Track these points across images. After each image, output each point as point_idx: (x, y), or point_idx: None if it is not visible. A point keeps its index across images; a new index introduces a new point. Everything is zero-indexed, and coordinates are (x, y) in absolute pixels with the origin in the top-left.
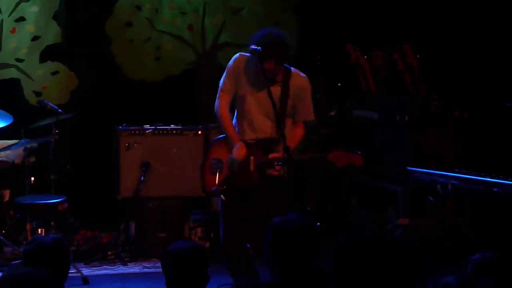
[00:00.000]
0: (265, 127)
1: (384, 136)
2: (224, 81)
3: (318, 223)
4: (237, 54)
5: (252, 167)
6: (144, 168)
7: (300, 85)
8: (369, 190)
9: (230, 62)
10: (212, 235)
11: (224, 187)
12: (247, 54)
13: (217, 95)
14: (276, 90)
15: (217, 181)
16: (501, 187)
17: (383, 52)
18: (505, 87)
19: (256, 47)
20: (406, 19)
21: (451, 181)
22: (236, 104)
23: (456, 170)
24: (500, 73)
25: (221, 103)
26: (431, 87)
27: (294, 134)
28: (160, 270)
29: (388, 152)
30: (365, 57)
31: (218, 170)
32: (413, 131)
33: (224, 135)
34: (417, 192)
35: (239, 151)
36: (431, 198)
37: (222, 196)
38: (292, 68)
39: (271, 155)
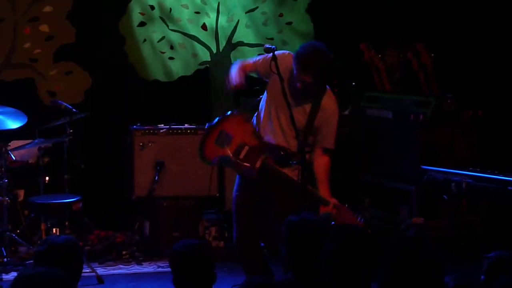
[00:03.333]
0: (286, 138)
1: (398, 135)
2: (258, 61)
3: (333, 222)
4: (285, 52)
5: (258, 165)
6: (158, 168)
7: (330, 110)
8: (382, 189)
9: (268, 55)
10: (226, 235)
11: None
12: (278, 53)
13: (244, 61)
14: (307, 107)
15: (224, 153)
16: None
17: (397, 51)
18: None
19: (271, 46)
20: (419, 18)
21: (466, 180)
22: (263, 104)
23: (471, 168)
24: None
25: (242, 63)
26: (445, 86)
27: (325, 165)
28: None
29: (402, 151)
30: (379, 56)
31: (225, 144)
32: (427, 130)
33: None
34: (431, 191)
35: (238, 78)
36: (445, 197)
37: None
38: (328, 87)
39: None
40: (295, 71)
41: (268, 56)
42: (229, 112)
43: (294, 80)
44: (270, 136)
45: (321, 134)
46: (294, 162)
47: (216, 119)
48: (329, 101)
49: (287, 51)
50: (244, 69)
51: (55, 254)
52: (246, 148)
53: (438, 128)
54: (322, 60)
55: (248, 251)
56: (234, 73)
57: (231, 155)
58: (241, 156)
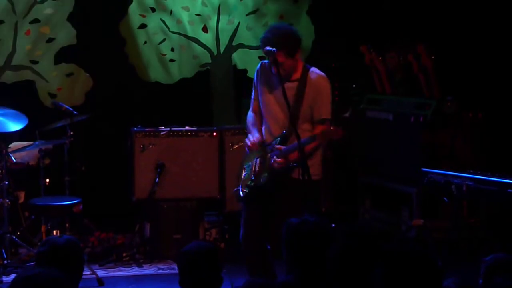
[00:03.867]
0: (280, 122)
1: (399, 137)
2: (252, 92)
3: (333, 224)
4: (259, 64)
5: (268, 164)
6: (159, 170)
7: (317, 83)
8: (383, 191)
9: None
10: (227, 236)
11: (246, 185)
12: (266, 61)
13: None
14: (292, 88)
15: (240, 183)
16: None
17: (397, 54)
18: None
19: (271, 49)
20: (420, 20)
21: (466, 182)
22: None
23: (471, 171)
24: None
25: (250, 111)
26: (445, 88)
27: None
28: (175, 271)
29: (403, 153)
30: (380, 58)
31: (245, 173)
32: (427, 132)
33: None
34: (431, 193)
35: (251, 137)
36: (445, 199)
37: (241, 193)
38: (311, 68)
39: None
40: (271, 62)
41: (254, 76)
42: None
43: (268, 68)
44: (268, 132)
45: (316, 108)
46: (295, 164)
47: None
48: (314, 75)
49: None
50: (251, 117)
51: (56, 255)
52: (257, 161)
53: (438, 130)
54: (285, 33)
55: (252, 252)
56: (251, 133)
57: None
58: (256, 168)
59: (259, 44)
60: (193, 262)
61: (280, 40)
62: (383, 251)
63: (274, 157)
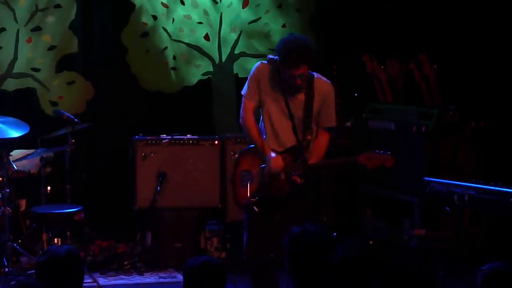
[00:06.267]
0: (290, 135)
1: (401, 147)
2: (247, 89)
3: (335, 234)
4: (258, 63)
5: (283, 176)
6: (160, 178)
7: (325, 91)
8: (384, 201)
9: (252, 70)
10: (228, 246)
11: (256, 198)
12: (265, 62)
13: (242, 105)
14: (301, 97)
15: (248, 193)
16: None
17: (399, 62)
18: None
19: (273, 57)
20: (422, 29)
21: (468, 192)
22: (261, 112)
23: (473, 180)
24: None
25: (247, 114)
26: (447, 97)
27: (320, 143)
28: (176, 279)
29: (404, 163)
30: (382, 67)
31: (248, 181)
32: (429, 141)
33: (250, 145)
34: (433, 203)
35: (275, 163)
36: (447, 208)
37: (255, 207)
38: (315, 74)
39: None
40: (289, 70)
41: (251, 73)
42: (239, 152)
43: (290, 79)
44: (275, 140)
45: (323, 115)
46: (297, 173)
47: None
48: (321, 82)
49: (259, 61)
50: (254, 125)
51: (57, 265)
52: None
53: (440, 139)
54: (308, 46)
55: (256, 264)
56: (259, 146)
57: (248, 195)
58: (267, 180)
59: (261, 53)
60: (200, 280)
61: (312, 53)
62: (381, 262)
63: (295, 175)
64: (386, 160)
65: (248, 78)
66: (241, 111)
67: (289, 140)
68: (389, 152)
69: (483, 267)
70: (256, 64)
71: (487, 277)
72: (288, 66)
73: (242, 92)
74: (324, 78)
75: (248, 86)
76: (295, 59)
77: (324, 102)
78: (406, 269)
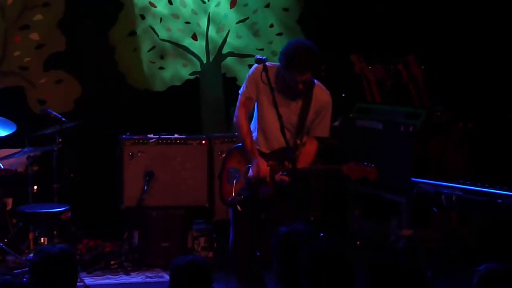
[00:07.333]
0: (279, 137)
1: (388, 147)
2: (245, 88)
3: (322, 234)
4: (256, 64)
5: (268, 178)
6: (147, 177)
7: (323, 101)
8: (372, 201)
9: (251, 69)
10: (215, 245)
11: (242, 197)
12: (268, 64)
13: (237, 104)
14: (298, 102)
15: (233, 191)
16: (505, 198)
17: (388, 63)
18: (510, 98)
19: (261, 57)
20: (410, 30)
21: (456, 192)
22: (256, 111)
23: (461, 181)
24: (505, 84)
25: (240, 114)
26: (436, 98)
27: (309, 150)
28: (163, 279)
29: (392, 163)
30: (370, 67)
31: (235, 179)
32: (417, 141)
33: (240, 144)
34: (421, 203)
35: (259, 168)
36: (435, 209)
37: (238, 206)
38: (315, 81)
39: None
40: (292, 75)
41: (250, 74)
42: (229, 149)
43: (293, 84)
44: (265, 142)
45: (317, 124)
46: (285, 173)
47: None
48: (321, 91)
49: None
50: (246, 125)
51: (50, 265)
52: (249, 168)
53: (428, 139)
54: (315, 53)
55: (243, 262)
56: (247, 147)
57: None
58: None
59: (249, 53)
60: (186, 280)
61: (318, 60)
62: (369, 262)
63: (282, 174)
64: (369, 173)
65: (247, 77)
66: (236, 110)
67: (278, 142)
68: (373, 165)
69: (479, 267)
70: (255, 64)
71: (482, 278)
72: (294, 71)
73: (240, 91)
74: (324, 88)
75: (246, 86)
76: (302, 65)
77: (321, 112)
78: (394, 268)
